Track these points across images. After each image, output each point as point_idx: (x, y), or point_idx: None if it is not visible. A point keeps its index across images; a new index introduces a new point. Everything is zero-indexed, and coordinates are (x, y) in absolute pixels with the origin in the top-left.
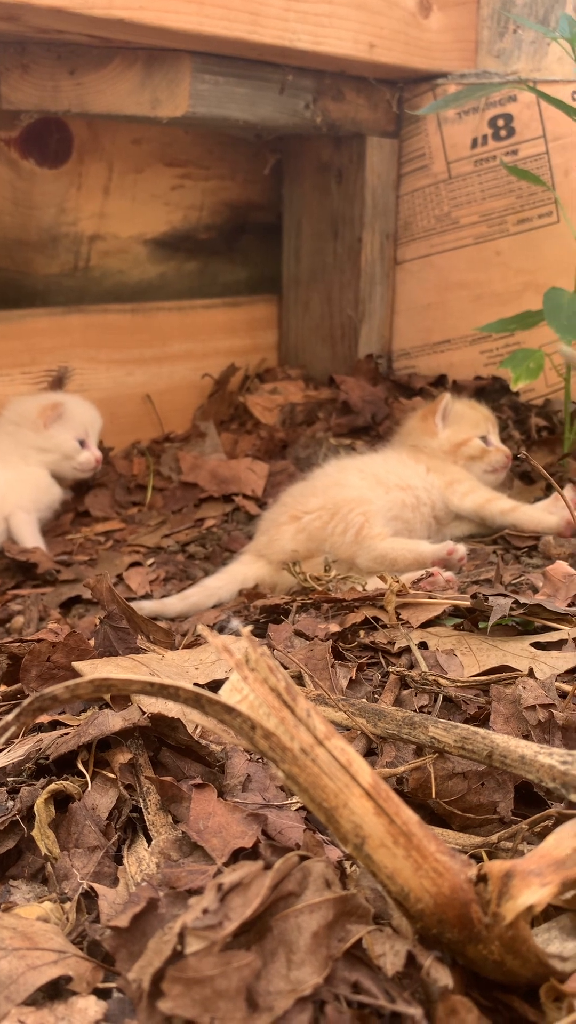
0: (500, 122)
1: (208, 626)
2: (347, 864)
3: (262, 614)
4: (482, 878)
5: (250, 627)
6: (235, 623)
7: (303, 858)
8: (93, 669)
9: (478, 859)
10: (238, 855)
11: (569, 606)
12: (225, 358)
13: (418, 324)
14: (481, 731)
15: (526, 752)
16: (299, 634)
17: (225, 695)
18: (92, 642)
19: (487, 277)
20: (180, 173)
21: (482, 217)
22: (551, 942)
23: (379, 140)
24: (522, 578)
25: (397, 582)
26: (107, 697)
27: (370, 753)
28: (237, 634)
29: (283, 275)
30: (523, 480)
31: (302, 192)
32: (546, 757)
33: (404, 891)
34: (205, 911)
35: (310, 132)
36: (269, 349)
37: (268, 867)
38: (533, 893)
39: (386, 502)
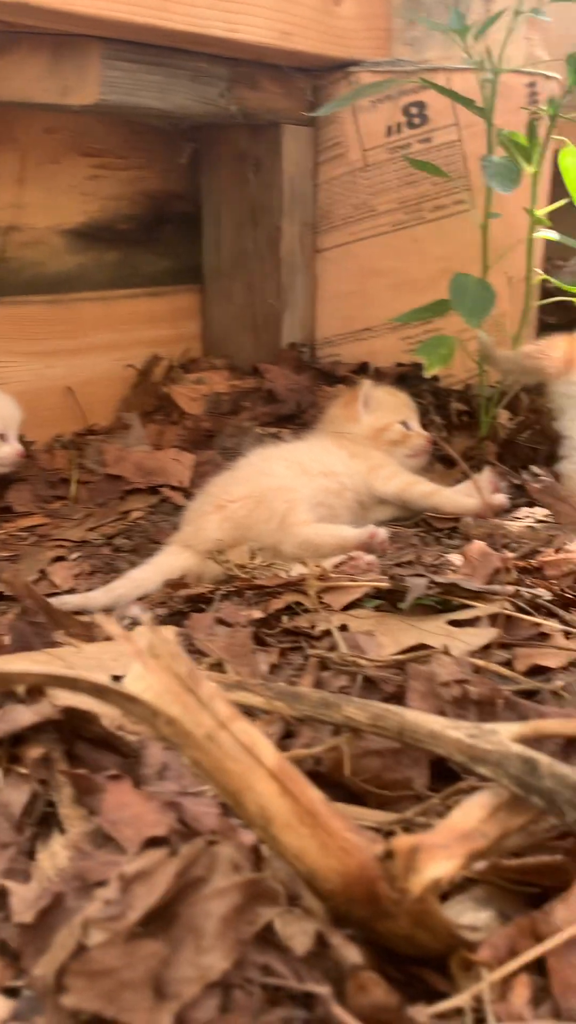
0: (413, 110)
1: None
2: (263, 847)
3: (185, 603)
4: (389, 854)
5: (150, 615)
6: (135, 610)
7: (212, 843)
8: (5, 664)
9: (394, 836)
10: (151, 845)
11: (488, 584)
12: (148, 349)
13: (340, 312)
14: (393, 708)
15: (435, 727)
16: (221, 622)
17: (129, 684)
18: (7, 639)
19: (405, 264)
20: (97, 163)
21: (399, 205)
22: (464, 913)
23: (295, 129)
24: (442, 559)
25: (318, 567)
26: (21, 691)
27: (288, 736)
28: (139, 622)
29: (205, 265)
30: (444, 464)
31: (220, 181)
32: (454, 731)
33: (312, 871)
34: (108, 902)
35: (226, 121)
36: (193, 339)
37: (175, 854)
38: (439, 866)
39: (310, 489)
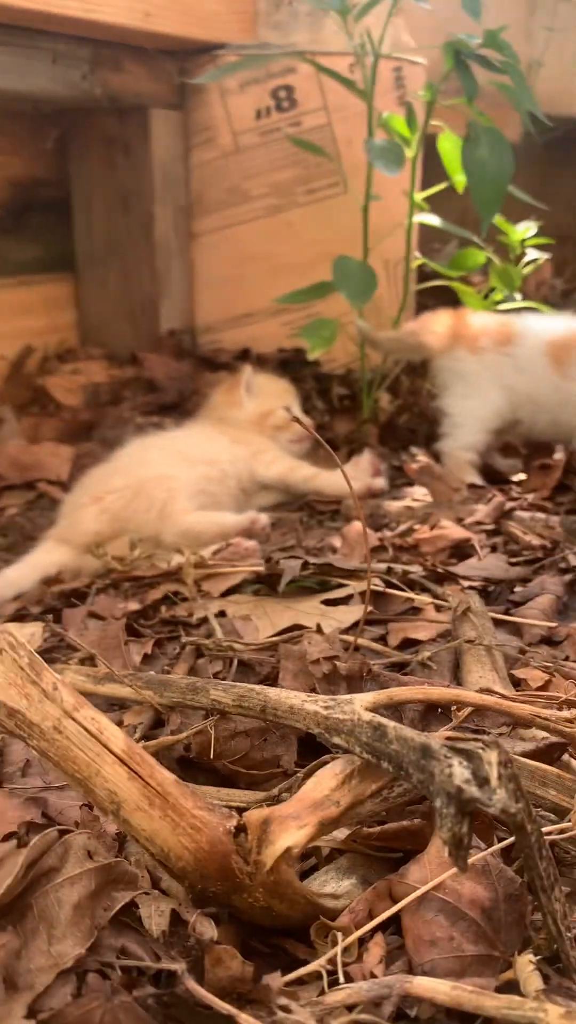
0: (282, 93)
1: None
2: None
3: (60, 600)
4: (241, 828)
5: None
6: None
7: (63, 833)
8: None
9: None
10: (6, 840)
11: (374, 564)
12: (21, 339)
13: (219, 298)
14: (256, 688)
15: (294, 702)
16: (94, 616)
17: None
18: None
19: (281, 248)
20: None
21: (272, 189)
22: (327, 883)
23: (164, 113)
24: (324, 541)
25: (195, 555)
26: None
27: (159, 724)
28: None
29: (77, 252)
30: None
31: (90, 167)
32: (311, 704)
33: (164, 851)
34: None
35: (92, 105)
36: (68, 328)
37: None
38: (291, 836)
39: (190, 477)
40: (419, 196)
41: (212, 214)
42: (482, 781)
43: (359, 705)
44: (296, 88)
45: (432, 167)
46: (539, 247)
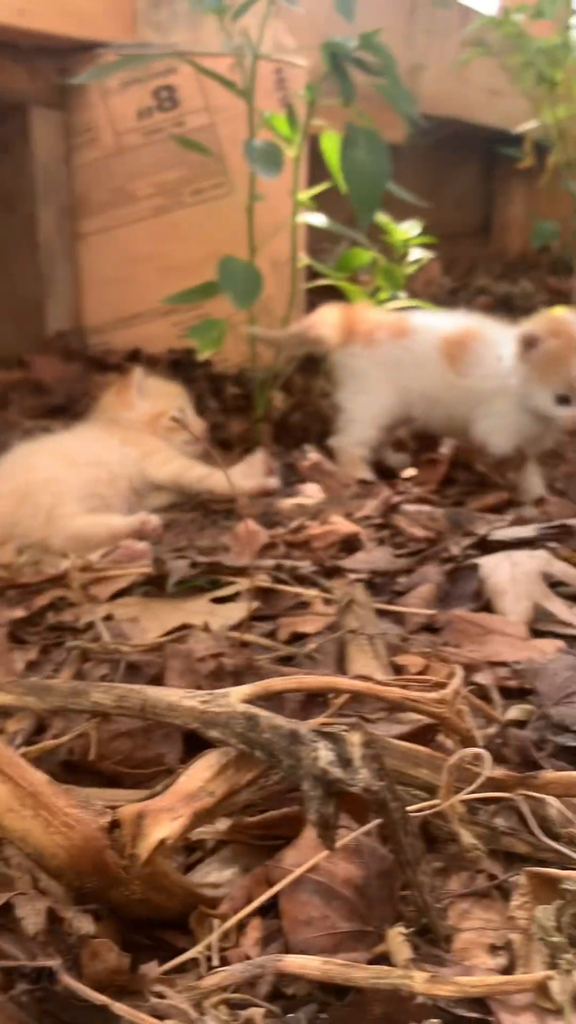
0: (164, 93)
1: None
2: None
3: None
4: (115, 824)
5: None
6: None
7: None
8: None
9: None
10: None
11: (259, 559)
12: None
13: (107, 298)
14: (137, 687)
15: (172, 699)
16: None
17: None
18: None
19: (169, 249)
20: None
21: (157, 189)
22: (210, 874)
23: (44, 112)
24: (218, 541)
25: (81, 559)
26: None
27: (42, 730)
28: None
29: None
30: (222, 447)
31: None
32: (189, 700)
33: (38, 850)
34: None
35: None
36: None
37: None
38: (164, 828)
39: (79, 480)
40: (304, 196)
41: (98, 215)
42: (346, 762)
43: (235, 698)
44: (178, 88)
45: (321, 167)
46: (423, 246)
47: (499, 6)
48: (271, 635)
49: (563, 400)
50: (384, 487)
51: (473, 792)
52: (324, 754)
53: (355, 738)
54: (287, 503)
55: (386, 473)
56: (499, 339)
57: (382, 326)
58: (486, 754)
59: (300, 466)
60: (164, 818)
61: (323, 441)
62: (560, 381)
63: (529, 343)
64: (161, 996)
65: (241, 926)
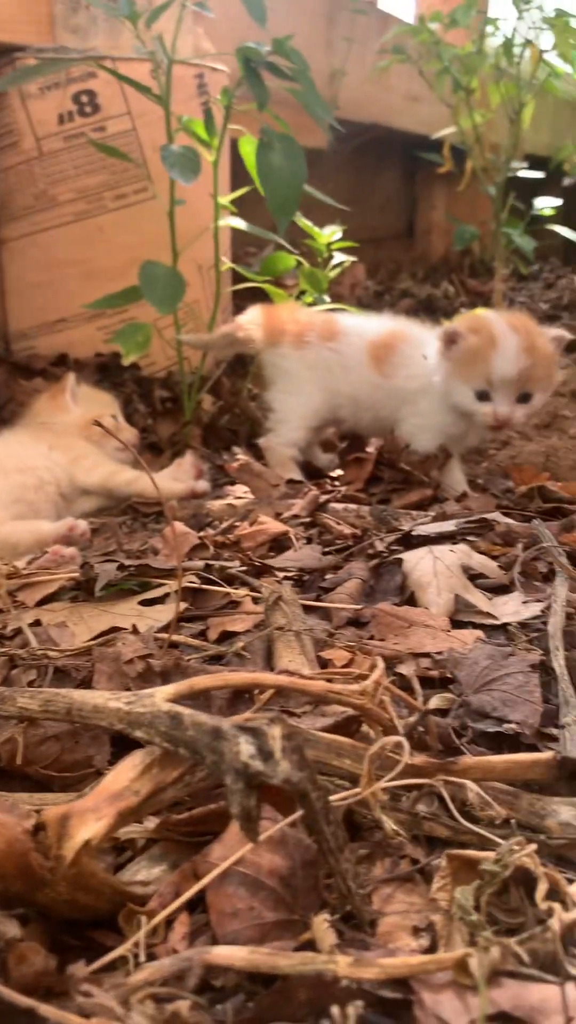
0: (84, 98)
1: None
2: None
3: None
4: (40, 826)
5: None
6: None
7: None
8: None
9: None
10: None
11: (189, 560)
12: None
13: (32, 304)
14: (63, 691)
15: (98, 701)
16: None
17: None
18: None
19: (93, 254)
20: None
21: (79, 194)
22: (139, 872)
23: None
24: (148, 544)
25: (7, 565)
26: None
27: None
28: None
29: None
30: (151, 451)
31: None
32: (114, 702)
33: None
34: None
35: None
36: None
37: None
38: (89, 829)
39: (5, 486)
40: (225, 200)
41: (20, 219)
42: (267, 755)
43: (160, 698)
44: (98, 93)
45: (244, 171)
46: (345, 250)
47: (415, 14)
48: (201, 635)
49: (482, 396)
50: (311, 487)
51: (394, 779)
52: (245, 748)
53: (276, 731)
54: (217, 504)
55: (315, 473)
56: (423, 340)
57: (312, 328)
58: (405, 742)
59: (229, 467)
60: (89, 819)
61: (252, 442)
62: (479, 377)
63: (450, 340)
64: (88, 995)
65: (169, 922)
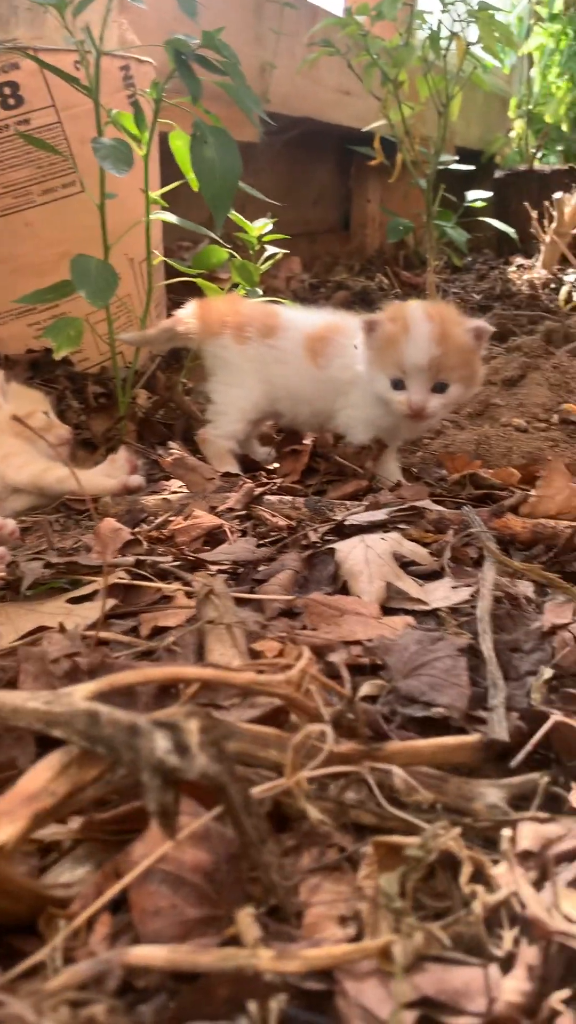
0: (7, 90)
1: None
2: None
3: None
4: None
5: None
6: None
7: None
8: None
9: None
10: None
11: (121, 556)
12: None
13: None
14: None
15: (16, 702)
16: None
17: None
18: None
19: (22, 249)
20: None
21: (6, 189)
22: (63, 874)
23: None
24: (80, 541)
25: None
26: None
27: None
28: None
29: None
30: (85, 448)
31: None
32: (33, 702)
33: None
34: None
35: None
36: None
37: None
38: (2, 832)
39: None
40: (156, 194)
41: None
42: (183, 750)
43: (79, 696)
44: (22, 85)
45: (174, 165)
46: (276, 243)
47: (343, 7)
48: (133, 631)
49: (398, 385)
50: (247, 479)
51: (318, 768)
52: (161, 744)
53: (192, 725)
54: (152, 500)
55: (252, 466)
56: (356, 331)
57: (252, 322)
58: (329, 730)
59: (163, 462)
60: (2, 822)
61: (188, 437)
62: (392, 365)
63: (370, 328)
64: (0, 1004)
65: (91, 924)
